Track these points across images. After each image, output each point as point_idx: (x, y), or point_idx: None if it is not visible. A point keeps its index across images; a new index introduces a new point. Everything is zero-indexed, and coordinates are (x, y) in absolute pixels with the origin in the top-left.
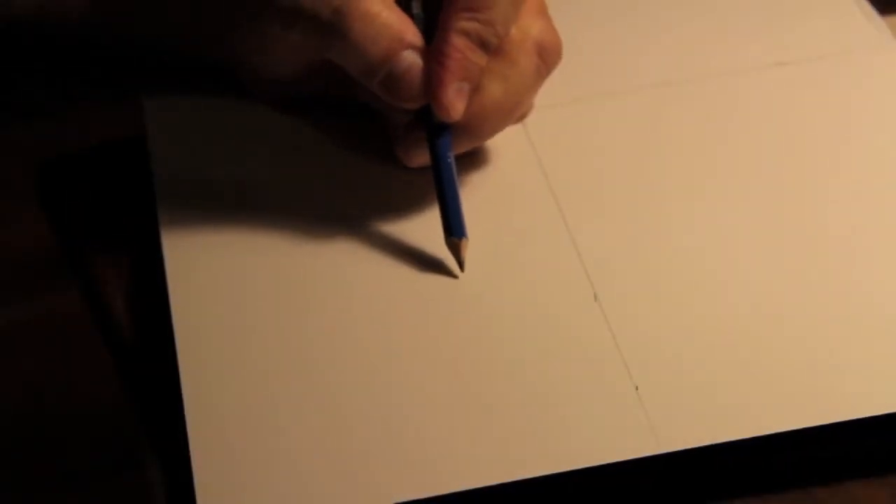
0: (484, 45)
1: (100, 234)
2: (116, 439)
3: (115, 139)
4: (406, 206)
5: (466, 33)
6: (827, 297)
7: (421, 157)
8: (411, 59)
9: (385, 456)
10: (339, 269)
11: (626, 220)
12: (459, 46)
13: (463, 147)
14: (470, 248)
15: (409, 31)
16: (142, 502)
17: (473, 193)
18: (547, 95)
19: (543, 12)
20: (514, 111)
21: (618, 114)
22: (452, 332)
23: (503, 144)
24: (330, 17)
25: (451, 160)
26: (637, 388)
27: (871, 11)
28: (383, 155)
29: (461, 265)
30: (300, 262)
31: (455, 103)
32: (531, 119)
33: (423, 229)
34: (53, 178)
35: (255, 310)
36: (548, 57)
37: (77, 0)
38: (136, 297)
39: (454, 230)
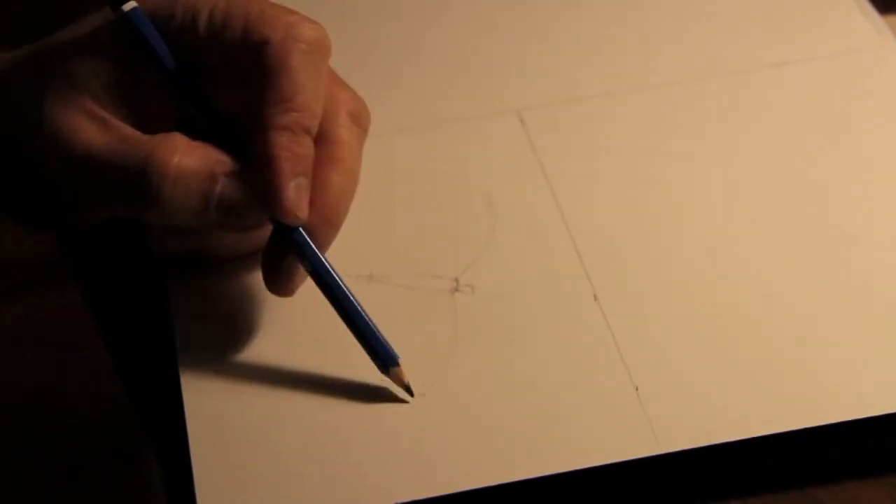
0: (307, 132)
1: (99, 234)
2: (116, 439)
3: None
4: None
5: (286, 127)
6: (827, 297)
7: (292, 283)
8: (230, 183)
9: (385, 456)
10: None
11: (626, 220)
12: (283, 144)
13: (328, 241)
14: (470, 248)
15: (218, 162)
16: (142, 502)
17: (473, 193)
18: (547, 95)
19: (342, 82)
20: (355, 184)
21: (618, 114)
22: (452, 332)
23: (503, 144)
24: (136, 180)
25: (332, 269)
26: (637, 388)
27: (871, 11)
28: None
29: (409, 391)
30: None
31: (299, 203)
32: (531, 119)
33: None
34: None
35: (255, 309)
36: (362, 121)
37: None
38: (137, 298)
39: (385, 361)
